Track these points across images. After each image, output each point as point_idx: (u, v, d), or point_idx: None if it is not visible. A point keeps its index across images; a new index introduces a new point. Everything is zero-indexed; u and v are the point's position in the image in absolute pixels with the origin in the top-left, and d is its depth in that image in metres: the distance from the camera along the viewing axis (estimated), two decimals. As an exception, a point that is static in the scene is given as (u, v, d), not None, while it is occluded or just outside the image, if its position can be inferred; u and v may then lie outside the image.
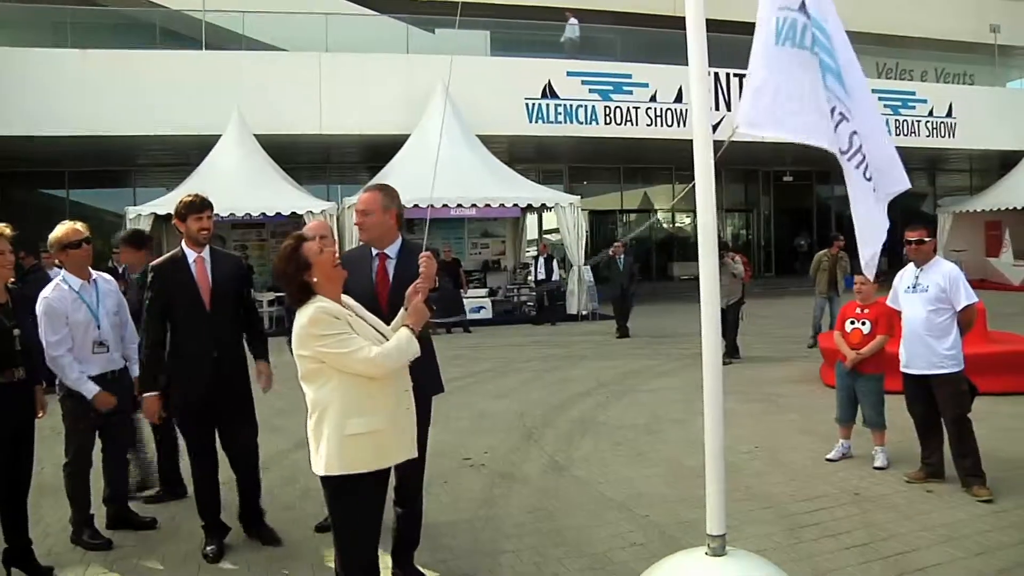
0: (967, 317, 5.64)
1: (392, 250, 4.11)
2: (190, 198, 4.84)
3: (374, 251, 4.11)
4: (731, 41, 22.03)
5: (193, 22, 19.95)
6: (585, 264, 18.12)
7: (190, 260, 4.73)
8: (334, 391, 3.23)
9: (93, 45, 18.45)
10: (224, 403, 4.74)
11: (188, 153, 18.26)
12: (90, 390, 4.65)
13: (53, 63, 17.79)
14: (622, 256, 15.65)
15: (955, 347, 5.60)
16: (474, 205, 17.00)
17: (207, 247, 4.80)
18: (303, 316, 3.24)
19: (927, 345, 5.63)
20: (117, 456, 5.06)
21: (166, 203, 16.03)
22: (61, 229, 4.74)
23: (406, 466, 3.62)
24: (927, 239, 5.82)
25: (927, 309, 5.63)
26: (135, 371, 4.98)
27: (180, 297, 4.69)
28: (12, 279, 4.44)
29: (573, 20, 21.14)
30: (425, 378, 3.82)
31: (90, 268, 4.94)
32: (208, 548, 4.71)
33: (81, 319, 4.71)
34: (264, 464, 5.32)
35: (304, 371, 3.29)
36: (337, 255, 3.49)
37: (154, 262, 4.91)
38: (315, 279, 3.29)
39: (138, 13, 21.11)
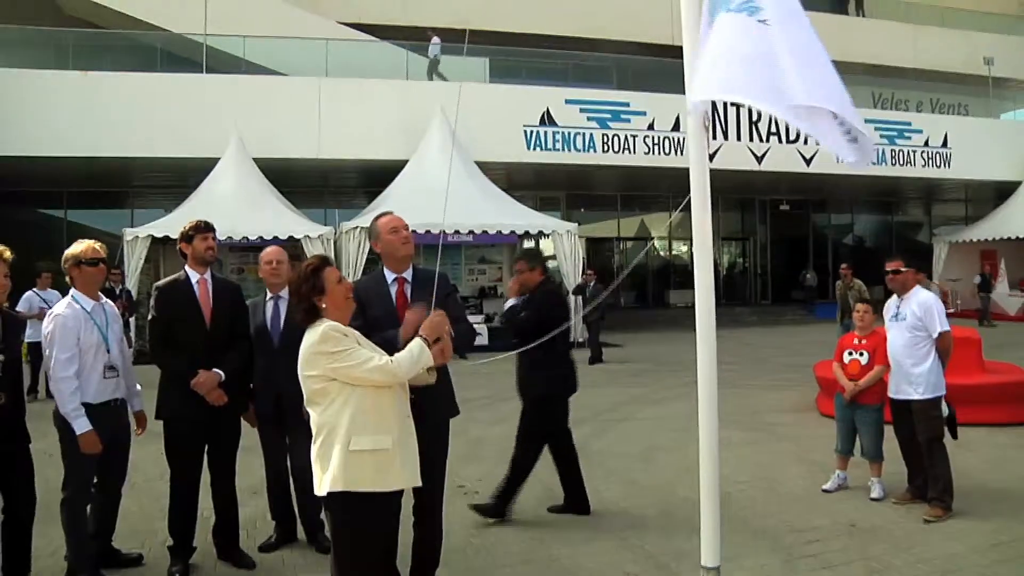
0: (944, 344, 5.86)
1: (408, 274, 4.24)
2: (196, 222, 5.01)
3: (390, 276, 4.20)
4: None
5: (194, 45, 20.07)
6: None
7: (193, 281, 4.88)
8: (342, 409, 3.25)
9: (94, 67, 18.54)
10: (215, 422, 4.79)
11: (187, 175, 18.31)
12: (81, 426, 4.37)
13: (54, 84, 17.90)
14: (592, 283, 16.41)
15: (932, 373, 5.82)
16: (471, 232, 17.00)
17: (208, 270, 4.94)
18: (313, 335, 3.29)
19: (905, 371, 5.87)
20: (113, 490, 4.87)
21: (163, 225, 16.07)
22: (80, 246, 4.66)
23: (424, 486, 3.61)
24: (903, 269, 6.06)
25: (905, 336, 5.89)
26: (136, 405, 4.89)
27: (182, 317, 4.82)
28: (6, 303, 4.39)
29: (436, 39, 20.94)
30: (442, 400, 3.89)
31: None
32: (174, 569, 4.74)
33: (93, 341, 4.55)
34: (253, 487, 5.27)
35: (310, 392, 3.31)
36: (351, 287, 3.53)
37: (159, 283, 5.06)
38: (324, 305, 3.35)
39: (140, 36, 21.21)
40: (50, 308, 4.90)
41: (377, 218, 4.30)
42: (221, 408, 4.76)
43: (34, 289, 11.20)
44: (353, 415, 3.25)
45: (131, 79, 18.48)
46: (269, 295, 5.15)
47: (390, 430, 3.32)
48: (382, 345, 3.45)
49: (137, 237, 15.91)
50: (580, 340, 18.00)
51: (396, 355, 3.31)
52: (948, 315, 6.09)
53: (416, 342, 3.37)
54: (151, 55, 20.87)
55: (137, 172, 20.34)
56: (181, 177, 18.92)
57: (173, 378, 4.80)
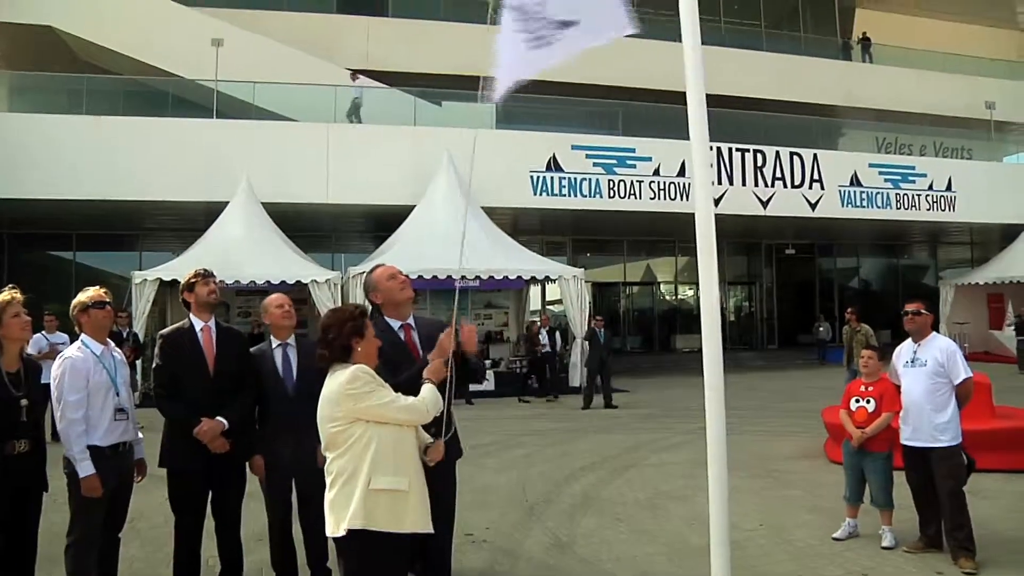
0: (965, 390, 5.79)
1: (411, 320, 4.40)
2: (197, 270, 5.09)
3: (395, 324, 4.31)
4: (732, 116, 22.52)
5: (205, 91, 20.31)
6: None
7: (197, 329, 4.92)
8: (364, 450, 3.33)
9: (107, 112, 18.78)
10: (219, 471, 4.79)
11: (196, 219, 18.43)
12: (85, 469, 4.36)
13: (67, 128, 18.13)
14: (602, 330, 16.54)
15: (953, 420, 5.73)
16: (478, 277, 17.03)
17: (213, 318, 4.99)
18: (341, 376, 3.37)
19: (926, 418, 5.76)
20: (112, 535, 4.79)
21: (172, 268, 16.13)
22: (86, 293, 4.70)
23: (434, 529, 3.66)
24: (923, 311, 6.03)
25: (926, 383, 5.79)
26: (137, 452, 4.86)
27: (186, 365, 4.84)
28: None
29: (358, 80, 21.01)
30: (449, 442, 3.91)
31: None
32: None
33: (102, 383, 4.56)
34: (258, 535, 5.23)
35: (331, 435, 3.38)
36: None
37: (163, 331, 5.10)
38: (359, 349, 3.47)
39: (153, 82, 21.49)
40: (58, 350, 4.93)
41: (371, 272, 4.44)
42: (225, 456, 4.74)
43: (42, 332, 11.23)
44: (375, 456, 3.32)
45: (143, 124, 18.69)
46: (276, 342, 5.12)
47: (407, 472, 3.41)
48: (399, 388, 3.54)
49: (145, 280, 15.97)
50: (582, 385, 17.99)
51: (419, 396, 3.49)
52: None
53: (429, 385, 3.57)
54: (163, 100, 21.14)
55: (147, 215, 20.50)
56: (191, 220, 19.06)
57: (176, 426, 4.80)
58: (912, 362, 5.94)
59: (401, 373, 3.86)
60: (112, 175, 17.74)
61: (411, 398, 3.42)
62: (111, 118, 18.52)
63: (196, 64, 20.13)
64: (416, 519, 3.44)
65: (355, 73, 20.81)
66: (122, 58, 21.40)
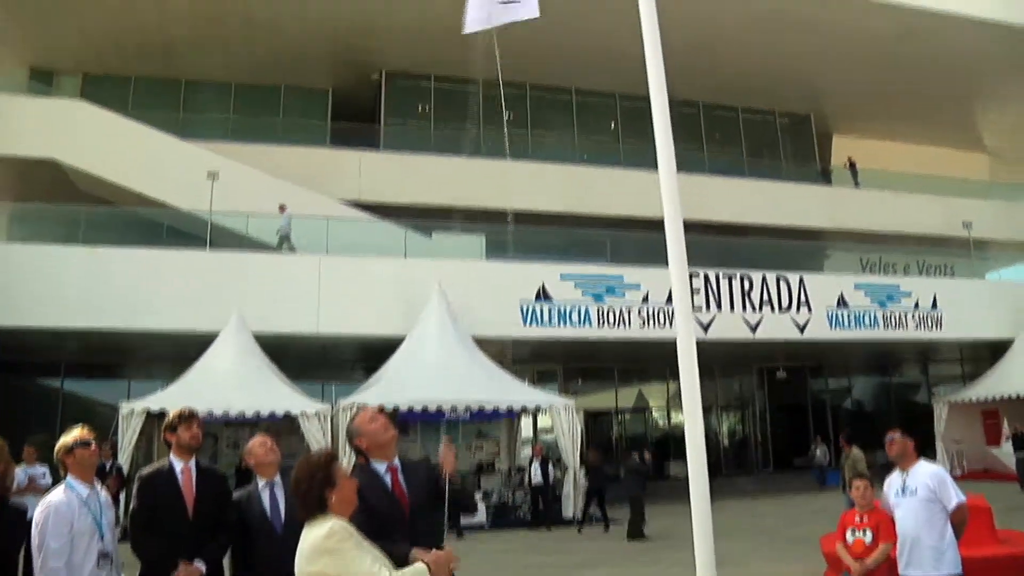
0: (960, 516, 5.71)
1: (396, 461, 4.26)
2: (180, 411, 5.07)
3: (381, 467, 4.20)
4: (718, 243, 22.98)
5: (199, 221, 20.61)
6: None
7: (177, 471, 4.89)
8: None
9: (103, 241, 18.97)
10: None
11: (186, 348, 18.42)
12: None
13: (63, 259, 18.28)
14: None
15: (951, 548, 5.65)
16: (468, 408, 16.93)
17: (193, 458, 4.97)
18: (319, 530, 3.21)
19: (923, 548, 5.66)
20: None
21: (160, 399, 16.04)
22: (69, 434, 4.65)
23: None
24: (901, 437, 6.00)
25: (920, 512, 5.71)
26: None
27: (165, 508, 4.80)
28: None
29: (287, 212, 21.04)
30: None
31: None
32: None
33: (86, 528, 4.45)
34: None
35: None
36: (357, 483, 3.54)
37: (142, 472, 5.06)
38: (334, 499, 3.30)
39: (149, 212, 21.85)
40: (36, 482, 4.86)
41: (351, 421, 4.38)
42: None
43: (21, 465, 11.04)
44: None
45: (137, 255, 18.89)
46: (262, 482, 5.07)
47: None
48: (389, 553, 3.37)
49: (133, 411, 15.83)
50: (580, 516, 17.68)
51: (402, 571, 3.25)
52: (957, 478, 6.01)
53: (421, 566, 3.33)
54: (158, 230, 21.45)
55: (137, 345, 20.46)
56: (181, 350, 19.06)
57: (153, 570, 4.69)
58: (903, 491, 5.88)
59: (390, 523, 3.81)
60: (104, 305, 17.79)
61: (388, 571, 3.17)
62: (106, 249, 18.71)
63: (192, 196, 20.51)
64: None
65: (283, 206, 21.11)
66: (120, 189, 21.81)
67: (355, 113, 27.57)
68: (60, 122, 21.93)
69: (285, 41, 25.38)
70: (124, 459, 15.36)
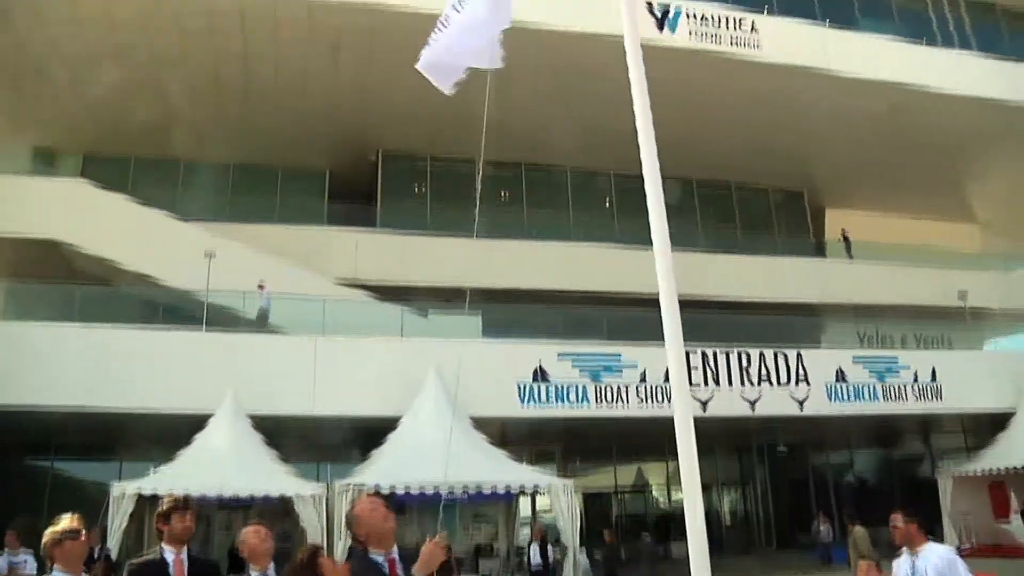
0: None
1: (394, 551, 4.21)
2: (174, 499, 5.00)
3: (379, 558, 4.14)
4: (714, 319, 23.00)
5: (195, 300, 20.62)
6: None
7: (169, 561, 4.78)
8: None
9: (98, 319, 18.92)
10: None
11: (180, 429, 18.23)
12: None
13: (57, 338, 18.16)
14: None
15: None
16: (466, 489, 16.70)
17: (185, 548, 4.88)
18: None
19: None
20: None
21: (153, 480, 15.81)
22: (57, 526, 4.51)
23: None
24: (905, 522, 5.92)
25: None
26: None
27: None
28: None
29: (267, 291, 21.19)
30: None
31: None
32: None
33: None
34: None
35: None
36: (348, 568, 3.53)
37: (132, 563, 4.95)
38: None
39: (146, 292, 21.91)
40: (18, 570, 4.75)
41: (350, 510, 4.34)
42: None
43: (3, 553, 10.76)
44: None
45: (132, 334, 18.84)
46: (256, 572, 5.00)
47: None
48: None
49: (124, 493, 15.54)
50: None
51: None
52: (965, 553, 5.91)
53: None
54: (154, 309, 21.46)
55: (130, 425, 20.25)
56: (174, 430, 18.87)
57: None
58: (912, 573, 5.79)
59: None
60: (98, 385, 17.64)
61: None
62: (101, 329, 18.64)
63: (188, 275, 20.56)
64: None
65: (262, 284, 21.16)
66: (118, 268, 21.87)
67: (352, 193, 27.87)
68: (59, 201, 22.15)
69: (283, 123, 25.82)
70: (114, 544, 15.02)
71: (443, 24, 4.72)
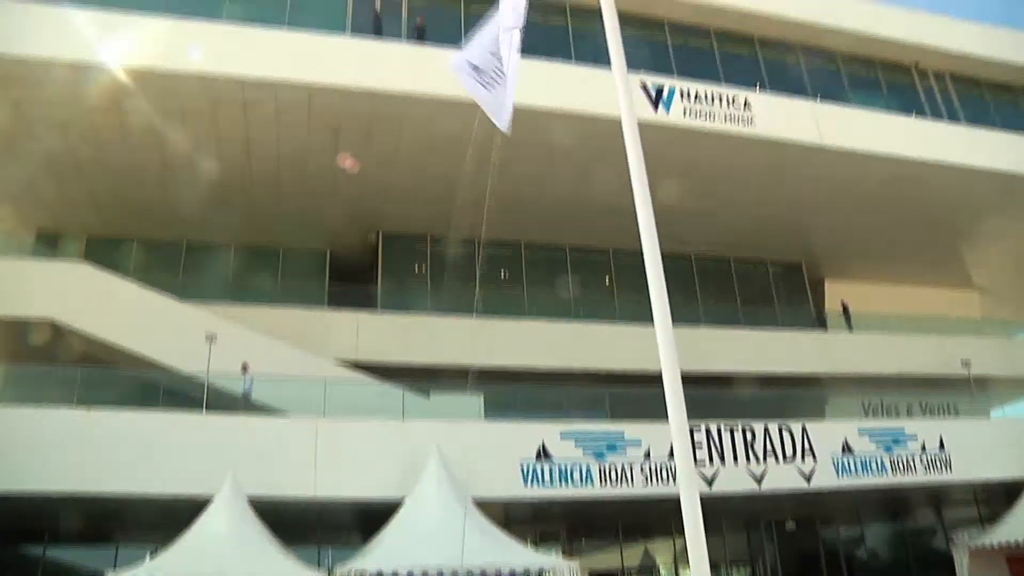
0: None
1: None
2: None
3: None
4: (719, 395, 22.86)
5: (195, 383, 20.51)
6: None
7: None
8: None
9: (97, 401, 18.77)
10: None
11: (178, 514, 17.94)
12: None
13: (55, 422, 18.02)
14: None
15: None
16: (469, 573, 16.37)
17: None
18: None
19: None
20: None
21: (149, 569, 15.48)
22: None
23: None
24: None
25: None
26: None
27: None
28: None
29: (249, 373, 21.06)
30: None
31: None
32: None
33: None
34: None
35: None
36: None
37: None
38: None
39: (147, 375, 21.80)
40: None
41: None
42: None
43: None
44: None
45: (131, 417, 18.65)
46: None
47: None
48: None
49: (118, 586, 15.26)
50: None
51: None
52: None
53: None
54: (153, 391, 21.31)
55: (127, 509, 19.91)
56: (172, 515, 18.58)
57: None
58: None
59: None
60: (95, 468, 17.43)
61: None
62: (99, 412, 18.45)
63: (189, 357, 20.49)
64: None
65: (245, 365, 21.07)
66: (117, 350, 21.80)
67: (352, 273, 28.01)
68: (60, 283, 22.25)
69: (284, 204, 26.09)
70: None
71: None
